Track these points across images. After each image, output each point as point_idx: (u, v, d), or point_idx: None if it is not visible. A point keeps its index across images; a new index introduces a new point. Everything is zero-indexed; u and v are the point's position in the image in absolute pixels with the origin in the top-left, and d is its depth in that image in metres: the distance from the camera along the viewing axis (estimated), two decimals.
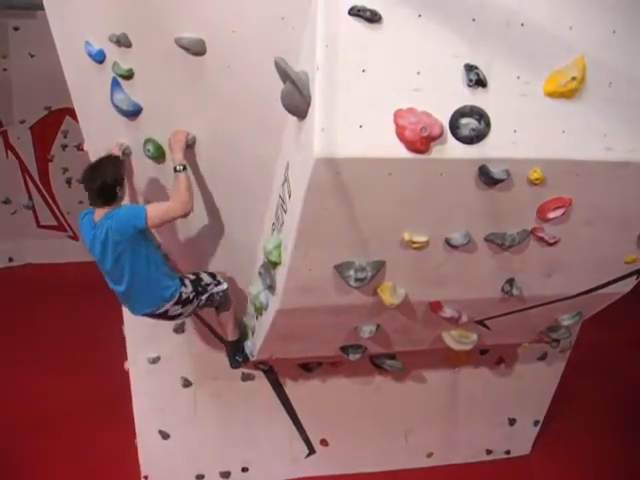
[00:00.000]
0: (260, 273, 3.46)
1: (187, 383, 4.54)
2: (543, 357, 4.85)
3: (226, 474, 4.94)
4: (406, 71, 2.37)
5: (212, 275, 3.71)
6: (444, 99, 2.41)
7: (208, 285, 3.65)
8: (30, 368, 6.03)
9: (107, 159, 3.26)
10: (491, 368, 4.89)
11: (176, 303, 3.51)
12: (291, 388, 4.70)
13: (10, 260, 8.25)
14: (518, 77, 2.45)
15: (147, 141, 3.33)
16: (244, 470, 4.95)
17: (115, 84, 3.14)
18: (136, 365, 4.43)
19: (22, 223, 8.17)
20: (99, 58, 3.09)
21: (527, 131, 2.49)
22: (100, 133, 3.42)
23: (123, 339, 4.37)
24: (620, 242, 3.14)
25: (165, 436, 4.70)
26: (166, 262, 3.58)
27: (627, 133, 2.57)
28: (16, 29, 6.99)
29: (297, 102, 2.45)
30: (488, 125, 2.44)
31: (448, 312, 3.47)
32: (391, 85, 2.37)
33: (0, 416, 5.37)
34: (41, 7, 3.09)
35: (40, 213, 8.32)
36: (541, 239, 2.98)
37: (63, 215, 8.37)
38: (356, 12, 2.28)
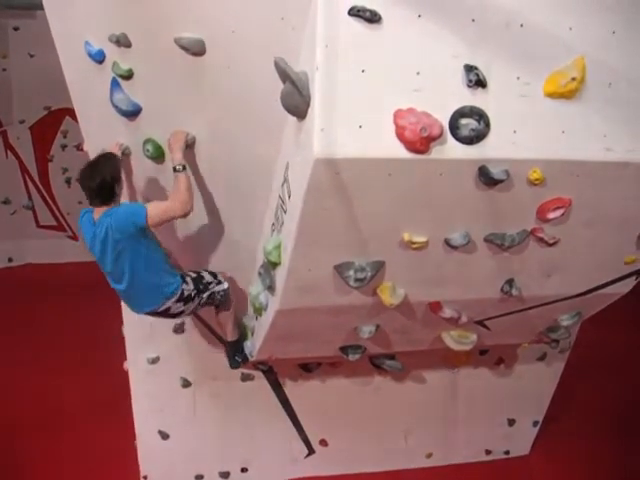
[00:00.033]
0: (260, 273, 3.46)
1: (186, 383, 4.54)
2: (542, 357, 4.85)
3: (225, 474, 4.94)
4: (406, 71, 2.37)
5: (213, 274, 3.71)
6: (444, 99, 2.41)
7: (209, 284, 3.65)
8: (29, 368, 6.03)
9: (104, 157, 3.25)
10: (490, 368, 4.89)
11: (178, 300, 3.51)
12: (290, 388, 4.70)
13: (10, 260, 8.24)
14: (518, 78, 2.45)
15: (147, 141, 3.33)
16: (243, 470, 4.95)
17: (115, 84, 3.14)
18: (135, 365, 4.43)
19: (22, 223, 8.16)
20: (99, 58, 3.09)
21: (527, 131, 2.49)
22: (100, 133, 3.42)
23: (123, 339, 4.37)
24: (620, 242, 3.14)
25: (164, 436, 4.70)
26: (167, 260, 3.58)
27: (627, 134, 2.57)
28: (16, 29, 6.99)
29: (297, 102, 2.45)
30: (488, 125, 2.44)
31: (448, 312, 3.47)
32: (391, 85, 2.37)
33: (0, 416, 5.37)
34: (41, 7, 3.09)
35: (40, 213, 8.31)
36: (541, 239, 2.98)
37: (63, 215, 8.36)
38: (356, 12, 2.29)
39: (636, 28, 2.50)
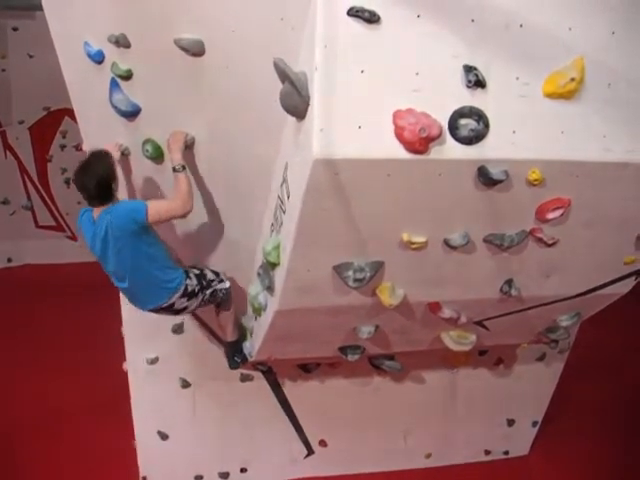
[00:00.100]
0: (259, 274, 3.46)
1: (186, 384, 4.54)
2: (542, 358, 4.86)
3: (225, 475, 4.94)
4: (405, 72, 2.37)
5: (215, 273, 3.72)
6: (443, 100, 2.41)
7: (212, 281, 3.66)
8: (29, 368, 6.03)
9: (95, 156, 3.21)
10: (490, 369, 4.89)
11: (182, 296, 3.50)
12: (290, 389, 4.70)
13: (9, 261, 8.23)
14: (517, 78, 2.45)
15: (146, 141, 3.33)
16: (243, 471, 4.95)
17: (114, 84, 3.14)
18: (135, 366, 4.43)
19: (21, 223, 8.15)
20: (98, 58, 3.09)
21: (526, 132, 2.49)
22: (99, 133, 3.42)
23: (122, 339, 4.37)
24: (619, 243, 3.14)
25: (164, 437, 4.70)
26: (170, 255, 3.56)
27: (626, 134, 2.57)
28: (15, 29, 6.98)
29: (296, 102, 2.45)
30: (487, 126, 2.43)
31: (447, 313, 3.47)
32: (390, 86, 2.37)
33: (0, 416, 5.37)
34: (40, 7, 3.09)
35: (39, 213, 8.31)
36: (540, 240, 2.98)
37: (62, 215, 8.35)
38: (355, 13, 2.28)
39: (636, 28, 2.50)
